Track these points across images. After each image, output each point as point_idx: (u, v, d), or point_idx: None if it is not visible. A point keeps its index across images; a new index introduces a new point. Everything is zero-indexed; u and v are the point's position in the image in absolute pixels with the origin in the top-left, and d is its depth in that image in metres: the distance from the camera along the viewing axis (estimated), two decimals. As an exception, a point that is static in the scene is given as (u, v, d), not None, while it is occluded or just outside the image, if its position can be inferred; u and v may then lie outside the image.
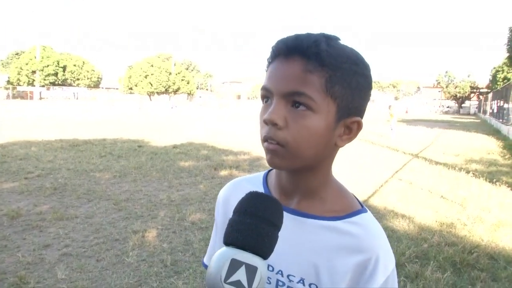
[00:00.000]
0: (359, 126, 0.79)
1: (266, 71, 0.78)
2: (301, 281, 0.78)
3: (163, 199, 6.03)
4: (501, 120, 25.69)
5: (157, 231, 4.67)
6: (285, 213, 0.79)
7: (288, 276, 0.80)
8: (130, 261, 3.83)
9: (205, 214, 5.32)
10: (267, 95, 0.76)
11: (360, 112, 0.79)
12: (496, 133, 21.86)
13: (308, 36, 0.74)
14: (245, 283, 0.58)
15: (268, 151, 0.75)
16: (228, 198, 0.94)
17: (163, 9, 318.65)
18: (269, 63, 0.78)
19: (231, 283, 0.57)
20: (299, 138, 0.72)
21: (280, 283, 0.80)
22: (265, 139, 0.75)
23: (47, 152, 9.89)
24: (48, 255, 3.93)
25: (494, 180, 7.87)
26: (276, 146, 0.73)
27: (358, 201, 0.85)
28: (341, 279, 0.76)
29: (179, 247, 4.21)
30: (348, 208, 0.82)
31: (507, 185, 7.50)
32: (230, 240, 0.62)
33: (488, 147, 14.20)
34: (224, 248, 0.61)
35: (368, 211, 0.83)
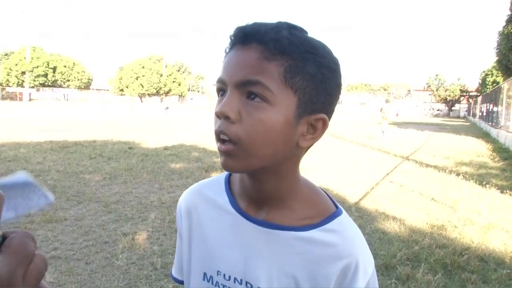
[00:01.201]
0: (325, 124, 0.71)
1: (223, 61, 0.71)
2: None
3: (153, 201, 5.98)
4: (490, 123, 25.98)
5: (147, 233, 4.62)
6: (256, 226, 0.76)
7: None
8: (120, 264, 3.78)
9: (196, 216, 5.28)
10: (222, 87, 0.69)
11: (326, 109, 0.71)
12: (485, 136, 22.08)
13: (269, 23, 0.68)
14: None
15: (221, 152, 0.68)
16: (190, 208, 0.87)
17: (154, 10, 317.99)
18: (226, 53, 0.71)
19: None
20: (253, 133, 0.65)
21: None
22: (217, 135, 0.68)
23: (36, 153, 9.77)
24: (36, 258, 3.86)
25: (484, 182, 7.93)
26: (229, 146, 0.66)
27: (333, 201, 0.80)
28: (324, 287, 0.73)
29: (169, 250, 4.17)
30: (322, 212, 0.76)
31: (496, 187, 7.56)
32: None
33: (477, 150, 14.33)
34: None
35: (343, 211, 0.78)
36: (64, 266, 3.70)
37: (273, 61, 0.65)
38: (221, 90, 0.70)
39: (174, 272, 0.95)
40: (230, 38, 0.70)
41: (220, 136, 0.67)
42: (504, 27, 23.21)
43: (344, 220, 0.77)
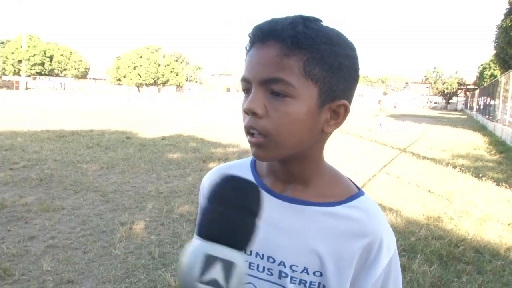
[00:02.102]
0: (346, 110, 0.75)
1: (245, 60, 0.74)
2: (305, 270, 0.76)
3: (151, 191, 5.99)
4: (487, 117, 26.02)
5: (145, 223, 4.63)
6: (281, 202, 0.78)
7: (291, 266, 0.77)
8: (117, 253, 3.79)
9: (194, 206, 5.29)
10: (247, 86, 0.72)
11: (346, 95, 0.74)
12: (482, 129, 22.14)
13: (284, 19, 0.70)
14: (222, 281, 0.52)
15: (251, 144, 0.73)
16: None
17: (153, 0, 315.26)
18: (247, 51, 0.74)
19: (207, 283, 0.52)
20: (280, 126, 0.69)
21: (283, 274, 0.77)
22: (247, 130, 0.72)
23: (33, 143, 9.75)
24: (34, 247, 3.87)
25: (480, 175, 7.97)
26: (259, 138, 0.70)
27: (355, 184, 0.83)
28: (348, 265, 0.74)
29: (167, 239, 4.18)
30: (345, 192, 0.80)
31: (492, 180, 7.60)
32: (202, 231, 0.56)
33: (474, 143, 14.38)
34: (197, 241, 0.56)
35: (366, 193, 0.81)
36: (62, 255, 3.71)
37: (292, 56, 0.68)
38: (246, 88, 0.73)
39: None
40: (249, 37, 0.73)
41: (249, 131, 0.71)
42: (502, 20, 23.16)
43: (368, 199, 0.80)
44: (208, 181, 0.93)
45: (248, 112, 0.70)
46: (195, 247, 0.54)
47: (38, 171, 6.87)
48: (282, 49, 0.68)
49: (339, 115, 0.75)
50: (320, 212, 0.77)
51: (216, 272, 0.52)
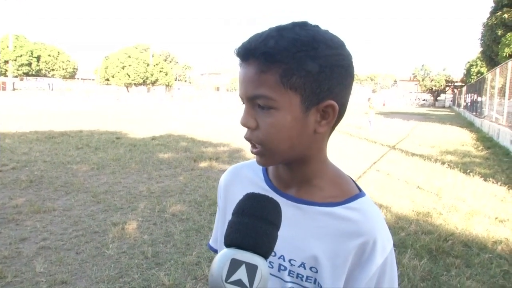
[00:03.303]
0: (334, 109, 0.75)
1: None
2: (302, 265, 0.80)
3: (142, 191, 5.98)
4: (474, 113, 26.36)
5: (137, 223, 4.63)
6: (285, 200, 0.83)
7: (289, 260, 0.82)
8: (110, 253, 3.79)
9: (186, 205, 5.30)
10: (242, 101, 0.79)
11: (334, 93, 0.75)
12: (469, 125, 22.43)
13: (260, 35, 0.73)
14: (246, 281, 0.58)
15: (253, 153, 0.79)
16: (229, 183, 0.97)
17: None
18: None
19: (232, 283, 0.58)
20: (269, 135, 0.75)
21: (282, 267, 0.82)
22: (248, 141, 0.79)
23: (22, 144, 9.66)
24: (26, 249, 3.85)
25: (468, 171, 8.10)
26: (257, 149, 0.77)
27: (356, 184, 0.86)
28: (342, 263, 0.78)
29: (160, 239, 4.20)
30: (346, 193, 0.83)
31: (480, 175, 7.72)
32: (229, 241, 0.62)
33: (462, 139, 14.57)
34: (225, 249, 0.62)
35: (366, 194, 0.84)
36: (54, 256, 3.70)
37: (268, 71, 0.72)
38: (243, 103, 0.79)
39: (211, 241, 1.06)
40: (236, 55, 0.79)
41: (249, 142, 0.79)
42: (488, 18, 23.49)
43: (367, 201, 0.83)
44: (224, 180, 0.99)
45: (242, 126, 0.77)
46: (223, 253, 0.61)
47: (27, 172, 6.82)
48: (259, 66, 0.72)
49: (328, 115, 0.76)
50: (320, 211, 0.81)
51: (241, 274, 0.59)
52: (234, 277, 0.58)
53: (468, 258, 3.95)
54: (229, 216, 0.89)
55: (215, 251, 1.02)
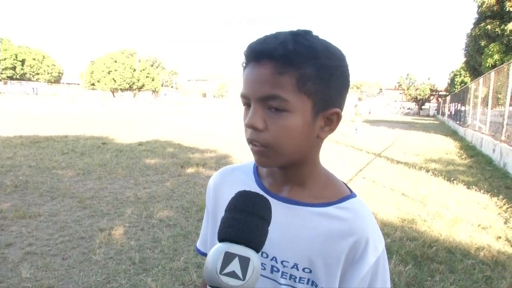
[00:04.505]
0: (339, 116, 0.81)
1: (243, 76, 0.80)
2: (295, 266, 0.82)
3: (129, 196, 5.95)
4: (458, 122, 26.79)
5: (124, 228, 4.61)
6: (277, 201, 0.84)
7: (282, 262, 0.83)
8: (97, 259, 3.77)
9: (173, 211, 5.29)
10: (246, 101, 0.78)
11: (338, 102, 0.80)
12: (453, 134, 22.78)
13: (275, 37, 0.75)
14: (239, 273, 0.61)
15: (254, 152, 0.79)
16: (219, 185, 0.97)
17: (128, 3, 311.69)
18: (244, 68, 0.80)
19: (226, 274, 0.61)
20: (279, 138, 0.76)
21: (275, 269, 0.83)
22: (249, 141, 0.79)
23: (6, 148, 9.52)
24: (11, 254, 3.80)
25: (452, 178, 8.24)
26: (260, 148, 0.77)
27: (347, 187, 0.89)
28: (336, 262, 0.79)
29: (147, 244, 4.18)
30: (337, 194, 0.86)
31: (463, 183, 7.87)
32: (223, 235, 0.65)
33: (446, 148, 14.80)
34: (218, 244, 0.64)
35: (357, 196, 0.87)
36: (40, 261, 3.66)
37: (285, 74, 0.73)
38: (246, 103, 0.79)
39: (199, 244, 1.05)
40: (244, 55, 0.79)
41: (252, 143, 0.79)
42: (472, 29, 23.96)
43: (358, 202, 0.86)
44: (214, 182, 0.99)
45: (249, 127, 0.77)
46: (217, 247, 0.64)
47: (12, 177, 6.73)
48: (276, 68, 0.73)
49: (332, 122, 0.81)
50: (312, 212, 0.83)
51: (235, 266, 0.61)
52: (228, 269, 0.61)
53: (452, 264, 4.02)
54: (220, 217, 0.92)
55: (203, 254, 1.01)
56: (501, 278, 3.74)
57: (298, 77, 0.74)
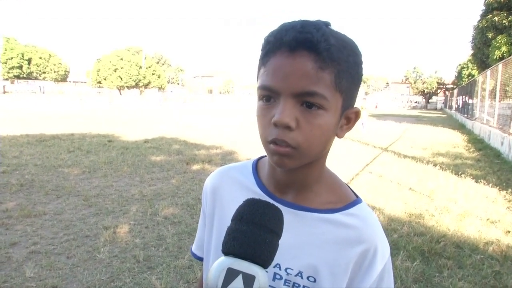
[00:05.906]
0: (357, 115, 0.78)
1: (263, 65, 0.71)
2: (299, 274, 0.77)
3: (134, 194, 5.94)
4: (465, 115, 26.56)
5: (129, 226, 4.60)
6: (281, 206, 0.76)
7: (286, 269, 0.78)
8: (102, 258, 3.76)
9: (178, 208, 5.27)
10: (270, 94, 0.70)
11: (355, 100, 0.78)
12: (461, 127, 22.59)
13: (315, 26, 0.68)
14: None
15: (276, 153, 0.70)
16: (217, 187, 0.91)
17: (133, 0, 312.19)
18: (267, 57, 0.71)
19: None
20: (311, 138, 0.69)
21: (278, 276, 0.78)
22: (274, 142, 0.69)
23: (12, 147, 9.56)
24: (16, 253, 3.80)
25: (460, 172, 8.15)
26: (287, 149, 0.69)
27: (352, 190, 0.85)
28: (343, 271, 0.75)
29: (152, 242, 4.17)
30: (344, 199, 0.81)
31: (471, 177, 7.78)
32: (227, 249, 0.59)
33: (453, 141, 14.67)
34: (222, 257, 0.59)
35: (363, 200, 0.83)
36: (45, 260, 3.66)
37: (326, 69, 0.68)
38: (268, 96, 0.71)
39: (194, 248, 0.99)
40: (271, 42, 0.70)
41: (277, 144, 0.69)
42: (478, 21, 23.73)
43: (365, 207, 0.82)
44: (211, 184, 0.92)
45: (280, 124, 0.67)
46: (219, 262, 0.58)
47: (18, 176, 6.75)
48: (317, 62, 0.67)
49: (350, 120, 0.78)
50: (319, 218, 0.78)
51: (237, 284, 0.56)
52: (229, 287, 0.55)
53: (460, 259, 3.97)
54: (218, 222, 0.87)
55: (199, 259, 0.97)
56: (511, 273, 3.67)
57: (336, 73, 0.69)
